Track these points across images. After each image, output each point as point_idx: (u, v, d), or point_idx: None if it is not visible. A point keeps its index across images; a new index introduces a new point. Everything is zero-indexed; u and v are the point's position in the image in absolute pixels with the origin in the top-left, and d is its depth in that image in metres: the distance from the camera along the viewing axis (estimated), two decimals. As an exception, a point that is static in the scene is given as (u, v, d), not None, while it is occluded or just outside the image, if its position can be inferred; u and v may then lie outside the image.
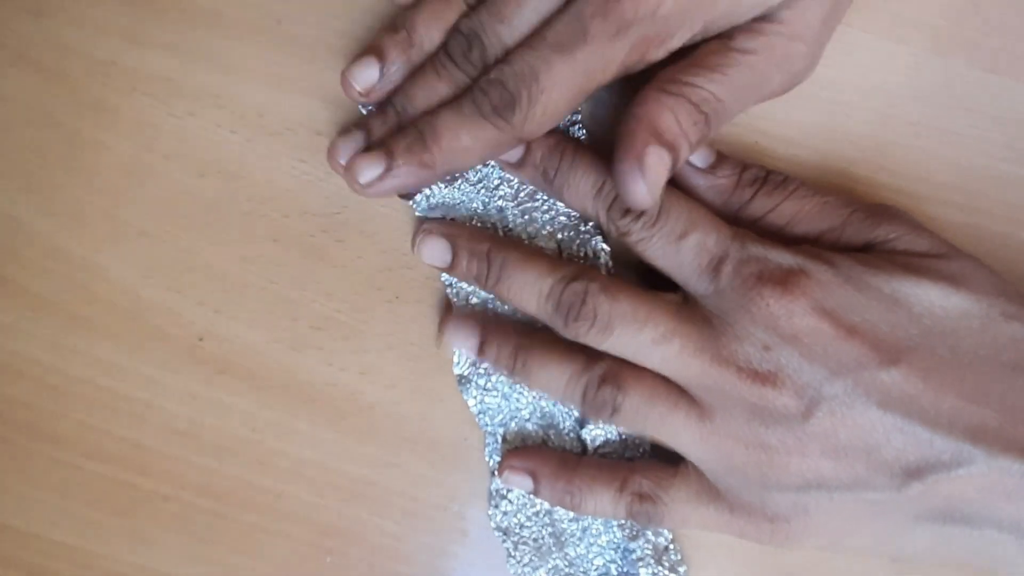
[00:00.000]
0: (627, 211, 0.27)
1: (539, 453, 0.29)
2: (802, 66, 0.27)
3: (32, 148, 0.31)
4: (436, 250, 0.29)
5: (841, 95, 0.31)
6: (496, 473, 0.29)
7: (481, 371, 0.30)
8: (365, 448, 0.30)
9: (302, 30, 0.31)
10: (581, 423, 0.29)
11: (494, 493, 0.30)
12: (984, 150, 0.30)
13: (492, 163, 0.30)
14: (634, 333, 0.26)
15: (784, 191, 0.28)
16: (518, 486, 0.29)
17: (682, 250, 0.26)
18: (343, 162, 0.27)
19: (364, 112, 0.29)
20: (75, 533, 0.30)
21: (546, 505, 0.29)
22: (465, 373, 0.30)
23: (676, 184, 0.28)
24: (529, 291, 0.27)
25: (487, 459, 0.30)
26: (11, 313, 0.30)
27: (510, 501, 0.29)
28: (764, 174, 0.28)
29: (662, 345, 0.26)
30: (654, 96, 0.25)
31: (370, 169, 0.27)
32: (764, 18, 0.25)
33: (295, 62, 0.31)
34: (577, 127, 0.30)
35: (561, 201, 0.29)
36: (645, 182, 0.24)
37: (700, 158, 0.28)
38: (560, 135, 0.29)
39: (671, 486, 0.27)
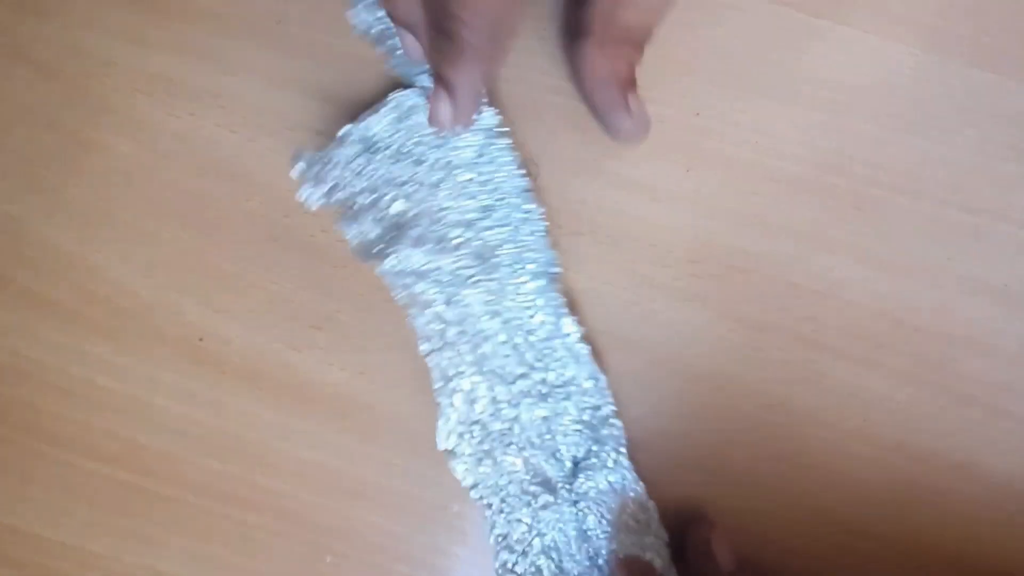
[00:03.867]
0: None
1: None
2: None
3: (32, 148, 0.31)
4: None
5: (841, 95, 0.31)
6: (498, 549, 0.29)
7: (468, 440, 0.29)
8: (365, 448, 0.30)
9: (302, 30, 0.31)
10: (572, 476, 0.29)
11: (500, 570, 0.29)
12: (984, 150, 0.30)
13: (452, 224, 0.29)
14: None
15: None
16: None
17: None
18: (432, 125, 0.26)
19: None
20: (75, 533, 0.30)
21: (553, 568, 0.29)
22: (451, 448, 0.29)
23: None
24: None
25: (487, 536, 0.29)
26: (11, 313, 0.30)
27: (516, 575, 0.29)
28: None
29: None
30: (599, 53, 0.27)
31: (441, 109, 0.25)
32: None
33: (295, 62, 0.31)
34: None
35: None
36: (634, 120, 0.28)
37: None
38: None
39: None
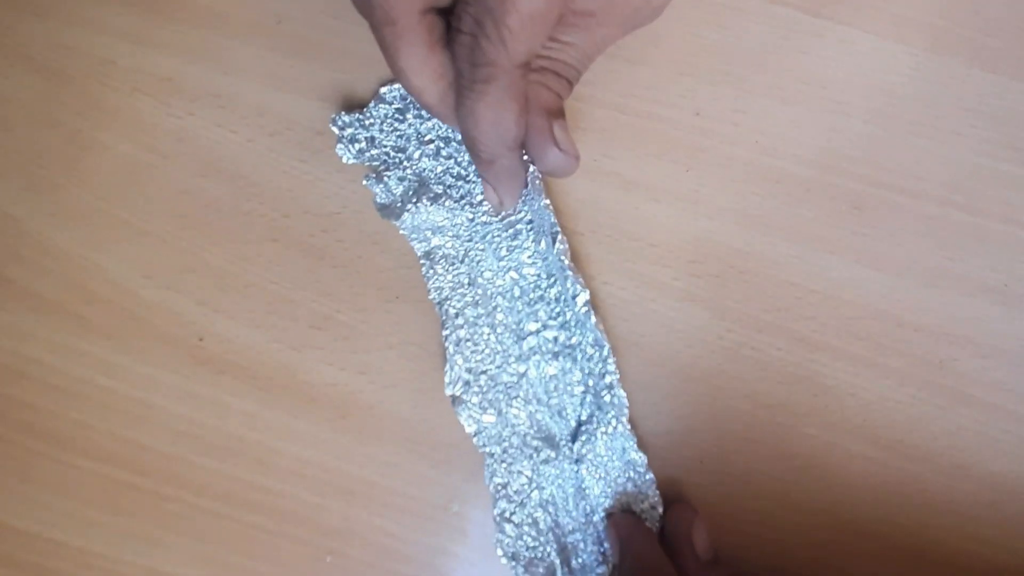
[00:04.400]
0: None
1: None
2: (646, 7, 0.27)
3: (32, 148, 0.31)
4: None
5: (841, 95, 0.31)
6: (497, 497, 0.29)
7: (475, 389, 0.29)
8: (365, 448, 0.30)
9: (302, 30, 0.31)
10: (574, 436, 0.29)
11: (497, 518, 0.29)
12: (984, 150, 0.30)
13: (475, 179, 0.30)
14: None
15: None
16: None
17: None
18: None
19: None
20: (75, 533, 0.30)
21: (549, 521, 0.29)
22: (458, 394, 0.29)
23: None
24: None
25: (487, 483, 0.29)
26: (11, 313, 0.30)
27: (515, 524, 0.29)
28: None
29: None
30: (531, 79, 0.27)
31: (491, 196, 0.29)
32: None
33: (295, 62, 0.31)
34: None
35: None
36: (562, 150, 0.27)
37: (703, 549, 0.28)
38: None
39: None
